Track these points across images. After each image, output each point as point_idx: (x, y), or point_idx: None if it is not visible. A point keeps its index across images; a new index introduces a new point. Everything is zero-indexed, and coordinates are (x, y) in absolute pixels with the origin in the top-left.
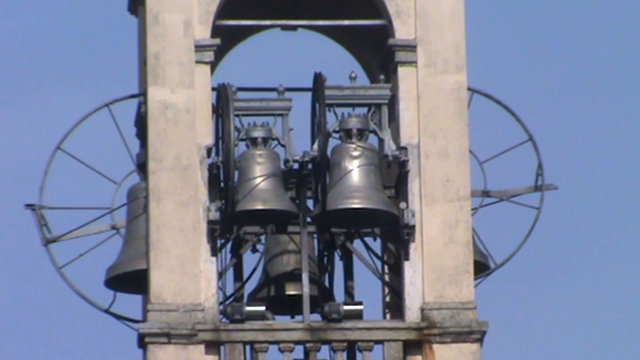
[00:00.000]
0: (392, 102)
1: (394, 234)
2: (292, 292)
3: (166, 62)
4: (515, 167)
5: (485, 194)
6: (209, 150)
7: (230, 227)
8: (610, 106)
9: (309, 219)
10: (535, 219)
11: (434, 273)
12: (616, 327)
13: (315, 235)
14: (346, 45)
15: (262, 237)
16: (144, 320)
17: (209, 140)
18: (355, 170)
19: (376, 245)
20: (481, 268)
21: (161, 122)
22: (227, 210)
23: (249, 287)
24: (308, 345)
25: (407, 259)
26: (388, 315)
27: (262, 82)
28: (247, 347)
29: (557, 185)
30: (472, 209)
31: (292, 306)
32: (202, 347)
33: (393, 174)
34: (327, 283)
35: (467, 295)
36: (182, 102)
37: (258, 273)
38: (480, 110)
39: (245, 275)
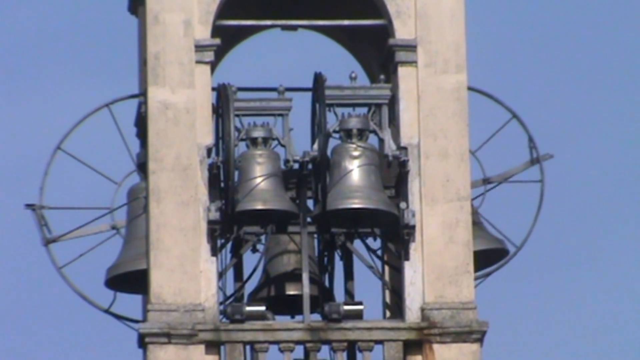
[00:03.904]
0: (392, 102)
1: (394, 234)
2: (292, 292)
3: (166, 62)
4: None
5: (486, 181)
6: (209, 150)
7: (230, 227)
8: (610, 106)
9: (309, 219)
10: (541, 191)
11: (434, 273)
12: (617, 327)
13: (315, 235)
14: (346, 45)
15: (262, 237)
16: (144, 320)
17: (209, 140)
18: (355, 170)
19: (376, 245)
20: (500, 254)
21: (161, 122)
22: (227, 210)
23: (249, 287)
24: (308, 345)
25: (407, 259)
26: (388, 315)
27: (262, 82)
28: (247, 347)
29: (552, 153)
30: (479, 196)
31: (292, 306)
32: (202, 347)
33: (393, 174)
34: (327, 283)
35: (467, 295)
36: (182, 102)
37: (258, 273)
38: (480, 110)
39: (245, 275)
